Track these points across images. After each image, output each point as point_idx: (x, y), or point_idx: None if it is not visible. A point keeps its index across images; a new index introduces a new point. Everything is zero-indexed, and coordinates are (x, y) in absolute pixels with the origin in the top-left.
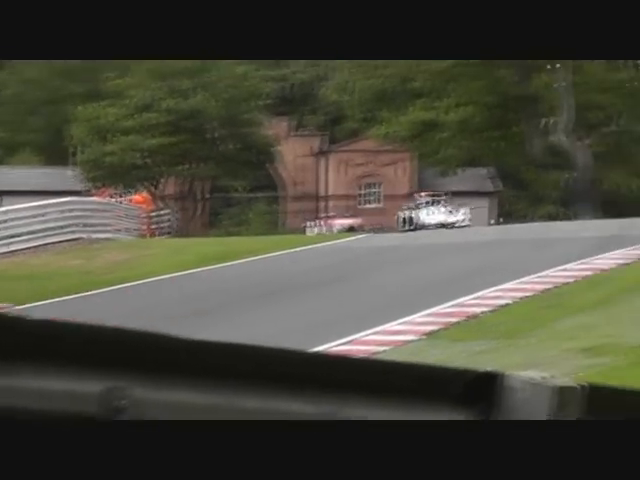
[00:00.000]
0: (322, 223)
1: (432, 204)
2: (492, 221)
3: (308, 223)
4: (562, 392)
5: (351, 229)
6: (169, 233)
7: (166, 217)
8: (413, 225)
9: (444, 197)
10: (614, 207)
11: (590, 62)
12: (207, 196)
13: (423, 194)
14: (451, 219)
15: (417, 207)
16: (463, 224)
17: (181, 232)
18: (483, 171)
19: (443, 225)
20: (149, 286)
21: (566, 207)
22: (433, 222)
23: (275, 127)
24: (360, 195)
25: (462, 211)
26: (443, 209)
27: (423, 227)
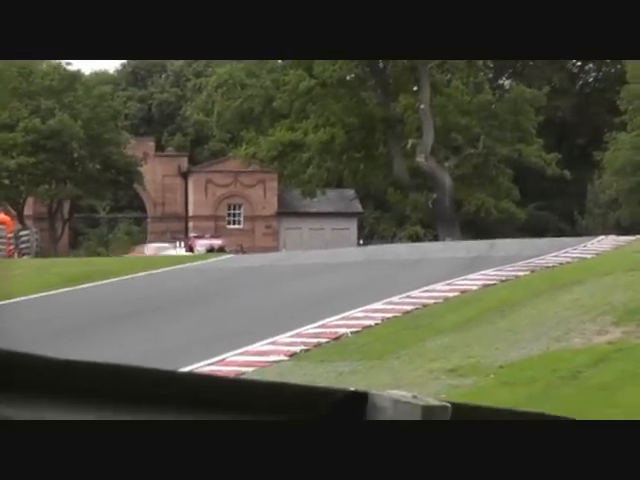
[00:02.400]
0: (182, 244)
1: None
2: (361, 241)
3: (177, 243)
4: (433, 410)
5: (212, 250)
6: (28, 254)
7: (26, 238)
8: None
9: None
10: (474, 228)
11: (450, 84)
12: (68, 216)
13: None
14: None
15: None
16: None
17: (43, 253)
18: (350, 192)
19: None
20: (12, 307)
21: (430, 228)
22: None
23: (139, 147)
24: (228, 215)
25: None
26: None
27: None
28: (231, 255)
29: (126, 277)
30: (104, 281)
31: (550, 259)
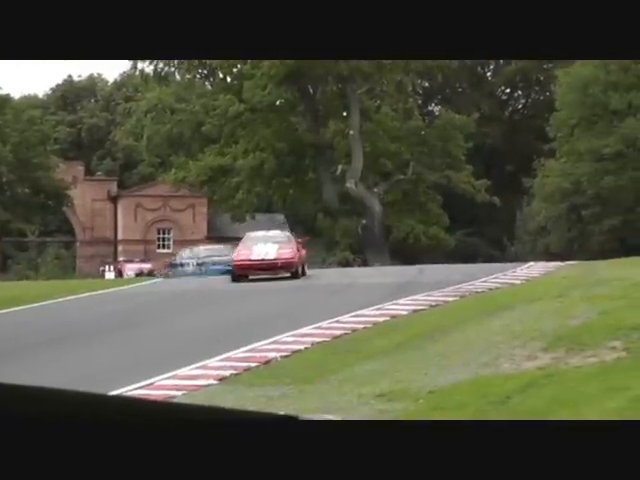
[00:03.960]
0: (112, 268)
1: None
2: None
3: (106, 267)
4: None
5: (141, 274)
6: None
7: None
8: None
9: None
10: (403, 254)
11: (379, 110)
12: None
13: None
14: None
15: None
16: None
17: None
18: (279, 217)
19: None
20: None
21: (359, 254)
22: None
23: (68, 171)
24: (158, 239)
25: None
26: None
27: None
28: (160, 279)
29: (55, 301)
30: (34, 304)
31: (479, 285)
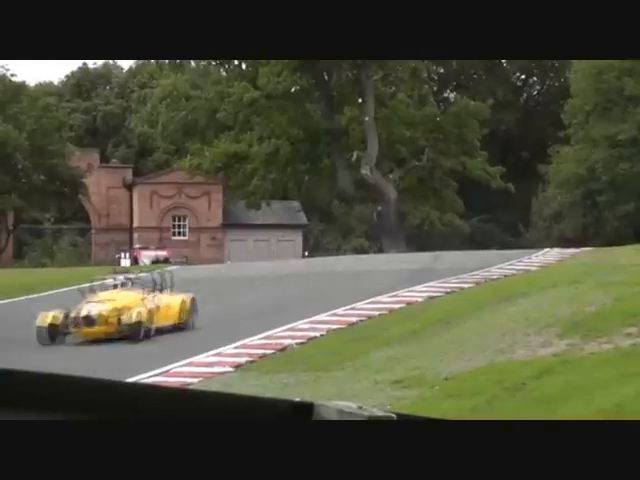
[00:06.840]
0: (127, 255)
1: None
2: (306, 253)
3: (122, 254)
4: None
5: (156, 261)
6: None
7: None
8: None
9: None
10: (418, 240)
11: (394, 97)
12: (12, 227)
13: None
14: None
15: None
16: None
17: None
18: (295, 204)
19: None
20: None
21: (374, 240)
22: None
23: (83, 159)
24: (173, 227)
25: None
26: None
27: None
28: (176, 266)
29: (69, 289)
30: (50, 292)
31: (495, 271)
